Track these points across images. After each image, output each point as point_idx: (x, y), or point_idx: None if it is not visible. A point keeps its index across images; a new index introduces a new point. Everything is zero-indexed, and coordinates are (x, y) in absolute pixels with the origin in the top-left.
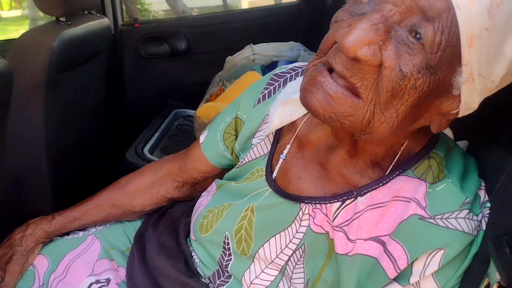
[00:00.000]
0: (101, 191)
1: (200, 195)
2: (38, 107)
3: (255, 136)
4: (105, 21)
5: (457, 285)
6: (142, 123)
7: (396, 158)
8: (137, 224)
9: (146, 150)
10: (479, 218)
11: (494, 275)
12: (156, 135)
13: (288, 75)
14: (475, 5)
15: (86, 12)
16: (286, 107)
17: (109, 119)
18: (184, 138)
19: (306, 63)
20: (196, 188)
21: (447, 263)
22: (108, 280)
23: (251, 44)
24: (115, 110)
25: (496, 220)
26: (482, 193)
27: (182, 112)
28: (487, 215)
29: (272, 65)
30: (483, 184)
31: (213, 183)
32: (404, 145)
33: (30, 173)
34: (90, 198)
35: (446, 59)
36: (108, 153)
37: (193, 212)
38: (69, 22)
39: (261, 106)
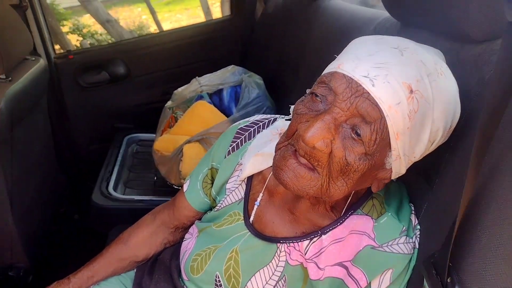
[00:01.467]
0: (106, 248)
1: (184, 238)
2: None
3: (228, 182)
4: (41, 63)
5: None
6: (93, 151)
7: (347, 202)
8: (130, 272)
9: (110, 188)
10: (413, 239)
11: None
12: (115, 169)
13: (252, 129)
14: (399, 114)
15: None
16: (257, 158)
17: (60, 157)
18: (143, 167)
19: (265, 117)
20: (187, 230)
21: (395, 279)
22: None
23: (197, 77)
24: (63, 145)
25: (424, 240)
26: (413, 217)
27: (134, 137)
28: (419, 236)
29: (218, 92)
30: (413, 208)
31: (194, 226)
32: (353, 192)
33: None
34: (99, 256)
35: (380, 148)
36: (71, 192)
37: (181, 254)
38: (10, 78)
39: (231, 157)
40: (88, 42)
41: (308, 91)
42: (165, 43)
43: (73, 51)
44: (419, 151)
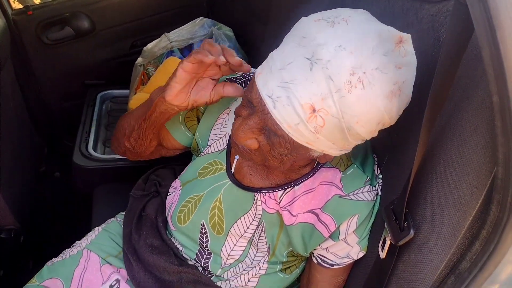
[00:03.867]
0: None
1: (168, 193)
2: None
3: (213, 129)
4: (0, 24)
5: (368, 234)
6: (66, 109)
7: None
8: (118, 229)
9: (90, 148)
10: (376, 188)
11: (388, 234)
12: (92, 129)
13: (239, 81)
14: (301, 131)
15: None
16: None
17: (33, 118)
18: None
19: (252, 71)
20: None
21: (361, 223)
22: (118, 281)
23: (166, 33)
24: (35, 106)
25: (386, 188)
26: (376, 168)
27: (107, 94)
28: (381, 184)
29: (189, 46)
30: (376, 159)
31: (177, 180)
32: None
33: None
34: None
35: (297, 148)
36: (49, 151)
37: (167, 208)
38: None
39: (216, 104)
40: None
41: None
42: None
43: (31, 6)
44: (354, 142)
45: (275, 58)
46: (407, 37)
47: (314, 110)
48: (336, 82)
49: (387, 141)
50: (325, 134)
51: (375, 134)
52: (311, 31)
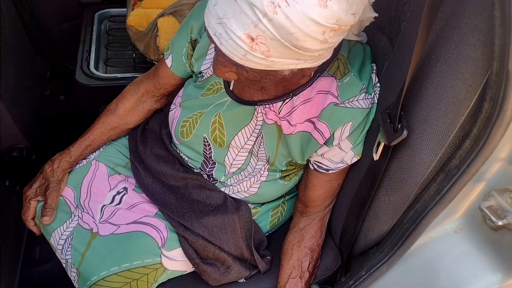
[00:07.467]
0: (98, 119)
1: (170, 108)
2: None
3: (207, 53)
4: None
5: (362, 140)
6: (64, 30)
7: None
8: (124, 141)
9: (92, 68)
10: (372, 96)
11: (382, 137)
12: (93, 48)
13: None
14: (251, 59)
15: None
16: None
17: (33, 41)
18: (120, 44)
19: None
20: (171, 97)
21: (355, 129)
22: (125, 189)
23: None
24: (33, 29)
25: (383, 96)
26: (373, 76)
27: (104, 13)
28: (378, 93)
29: None
30: (374, 68)
31: (178, 97)
32: None
33: None
34: (92, 127)
35: (264, 74)
36: (52, 74)
37: (170, 123)
38: None
39: (204, 40)
40: None
41: None
42: None
43: None
44: (317, 53)
45: None
46: None
47: (252, 39)
48: (259, 8)
49: (387, 48)
50: (277, 55)
51: (334, 41)
52: None
